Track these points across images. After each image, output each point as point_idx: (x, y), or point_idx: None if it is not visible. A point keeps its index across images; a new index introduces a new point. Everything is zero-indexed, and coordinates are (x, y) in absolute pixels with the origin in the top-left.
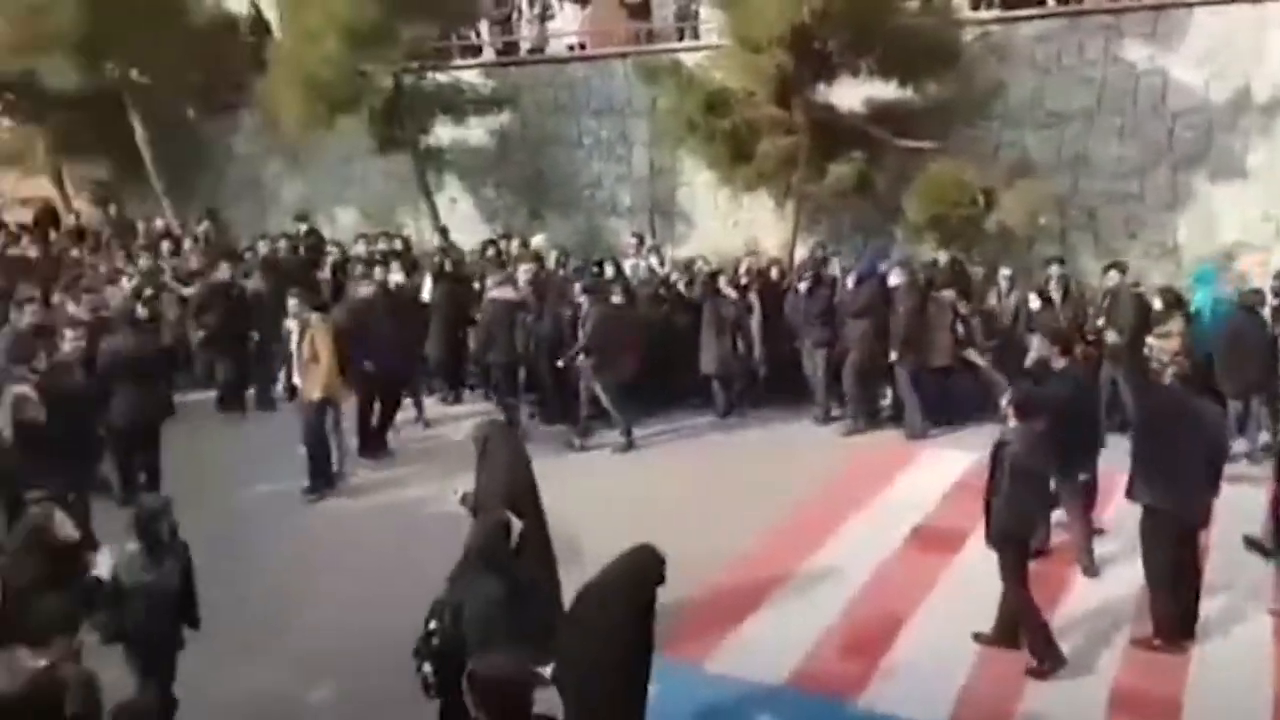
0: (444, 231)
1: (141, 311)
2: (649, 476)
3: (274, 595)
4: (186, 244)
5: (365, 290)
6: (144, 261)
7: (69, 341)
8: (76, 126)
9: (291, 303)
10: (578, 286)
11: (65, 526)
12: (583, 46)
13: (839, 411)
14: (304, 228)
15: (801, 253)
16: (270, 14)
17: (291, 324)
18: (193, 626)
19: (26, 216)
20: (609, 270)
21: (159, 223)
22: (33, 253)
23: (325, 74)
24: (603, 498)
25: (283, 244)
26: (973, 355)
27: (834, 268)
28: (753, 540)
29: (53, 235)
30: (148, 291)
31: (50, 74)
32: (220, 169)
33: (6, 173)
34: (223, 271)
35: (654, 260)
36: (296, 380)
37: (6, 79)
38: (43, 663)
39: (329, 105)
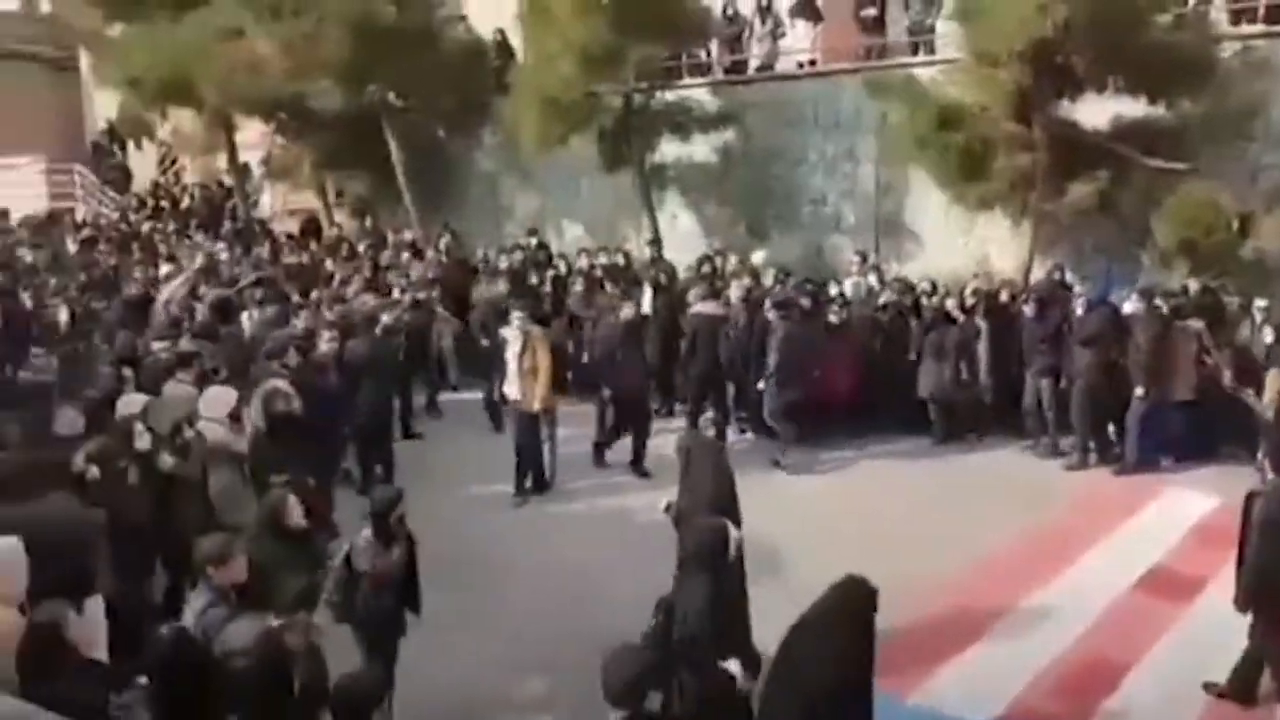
0: (657, 244)
1: (387, 318)
2: (858, 500)
3: (484, 590)
4: (429, 254)
5: (626, 312)
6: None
7: (325, 343)
8: (339, 144)
9: (515, 314)
10: (768, 302)
11: (295, 513)
12: (813, 63)
13: (1068, 445)
14: (534, 241)
15: (1038, 275)
16: (515, 40)
17: (511, 334)
18: (415, 612)
19: (293, 226)
20: (800, 290)
21: (406, 234)
22: (302, 259)
23: (561, 95)
24: (809, 519)
25: (516, 255)
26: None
27: (1073, 291)
28: (968, 572)
29: (312, 245)
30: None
31: (318, 96)
32: (463, 185)
33: (278, 186)
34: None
35: (873, 279)
36: (509, 389)
37: (281, 101)
38: (274, 621)
39: (563, 124)
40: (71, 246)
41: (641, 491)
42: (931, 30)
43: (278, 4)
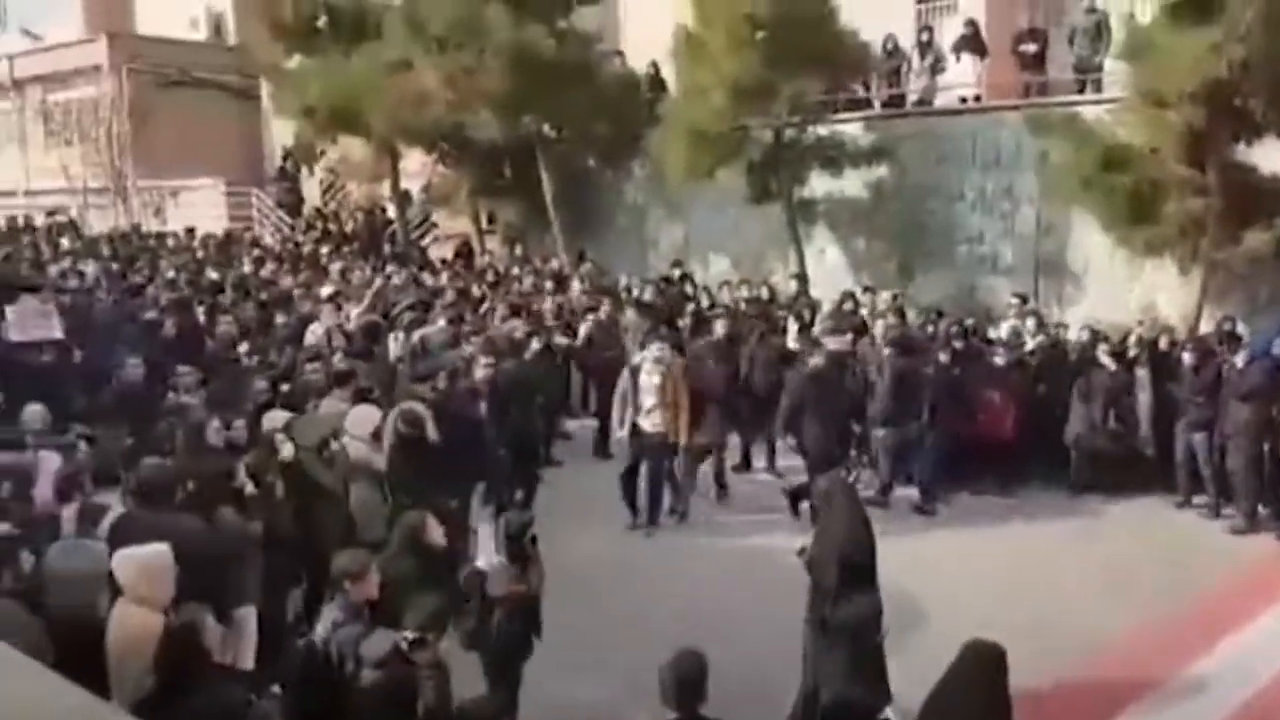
0: (802, 279)
1: (535, 344)
2: (1003, 551)
3: (605, 619)
4: (575, 284)
5: (815, 360)
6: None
7: (481, 368)
8: (494, 173)
9: (656, 345)
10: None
11: (435, 533)
12: (977, 99)
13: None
14: (678, 272)
15: (1207, 326)
16: (668, 73)
17: (647, 363)
18: (537, 636)
19: (447, 251)
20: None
21: (554, 263)
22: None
23: (710, 127)
24: (951, 570)
25: (649, 288)
26: None
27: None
28: (1117, 636)
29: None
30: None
31: (477, 127)
32: (610, 215)
33: (436, 212)
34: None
35: (1032, 323)
36: (642, 420)
37: (443, 130)
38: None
39: (711, 156)
40: (247, 266)
41: (773, 530)
42: (1098, 68)
43: (444, 38)
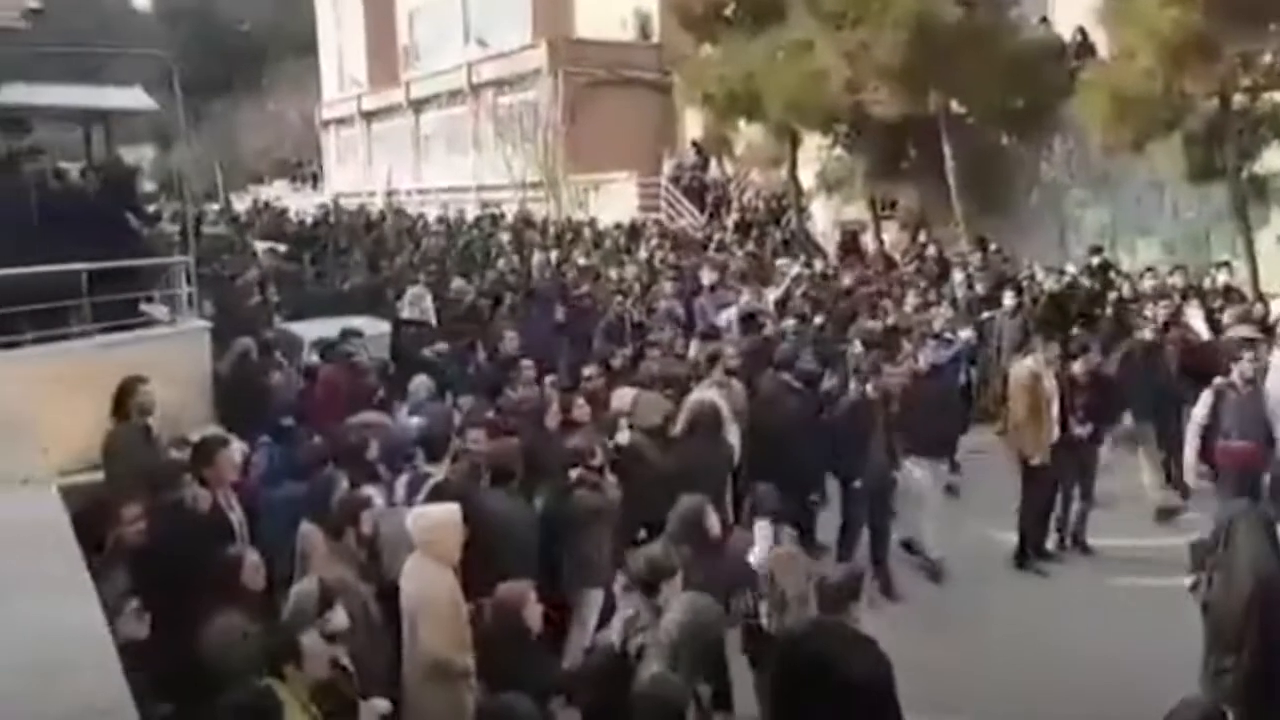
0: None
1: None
2: None
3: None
4: (957, 275)
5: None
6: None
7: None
8: (893, 154)
9: (1045, 346)
10: None
11: (713, 522)
12: None
13: None
14: (1096, 260)
15: None
16: (1097, 36)
17: (1025, 370)
18: None
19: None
20: None
21: (932, 249)
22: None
23: (1138, 91)
24: None
25: (1049, 280)
26: None
27: None
28: None
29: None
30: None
31: (876, 105)
32: (1023, 196)
33: (832, 198)
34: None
35: None
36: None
37: (840, 111)
38: None
39: (1138, 126)
40: (643, 253)
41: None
42: None
43: (842, 13)
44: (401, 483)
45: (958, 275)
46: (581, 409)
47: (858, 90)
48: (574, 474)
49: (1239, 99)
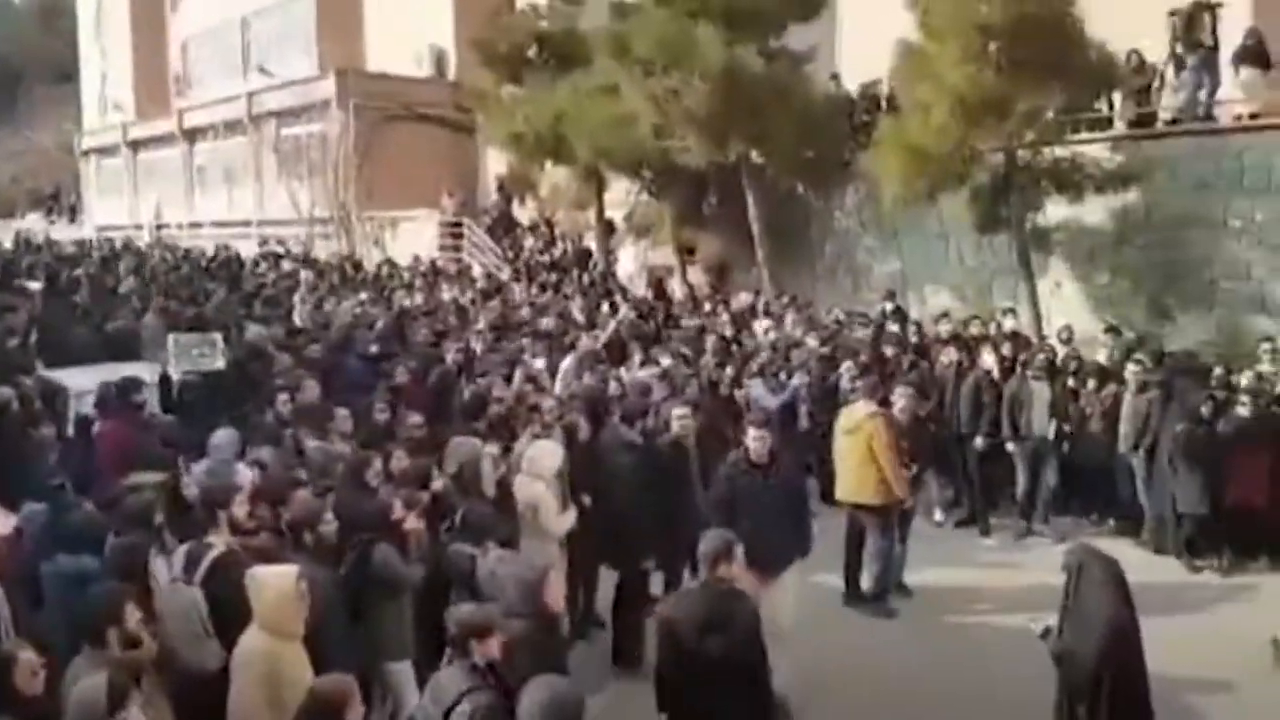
0: (1035, 316)
1: None
2: None
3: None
4: (789, 318)
5: None
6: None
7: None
8: (698, 201)
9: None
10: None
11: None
12: (1254, 116)
13: None
14: (890, 306)
15: None
16: (882, 89)
17: (860, 416)
18: None
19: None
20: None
21: (744, 296)
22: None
23: (931, 146)
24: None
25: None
26: None
27: None
28: None
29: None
30: None
31: (682, 153)
32: (819, 245)
33: (639, 243)
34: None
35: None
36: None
37: (647, 156)
38: None
39: (931, 178)
40: (446, 294)
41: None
42: None
43: (650, 60)
44: (180, 554)
45: (763, 323)
46: (400, 461)
47: (665, 136)
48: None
49: (1023, 154)
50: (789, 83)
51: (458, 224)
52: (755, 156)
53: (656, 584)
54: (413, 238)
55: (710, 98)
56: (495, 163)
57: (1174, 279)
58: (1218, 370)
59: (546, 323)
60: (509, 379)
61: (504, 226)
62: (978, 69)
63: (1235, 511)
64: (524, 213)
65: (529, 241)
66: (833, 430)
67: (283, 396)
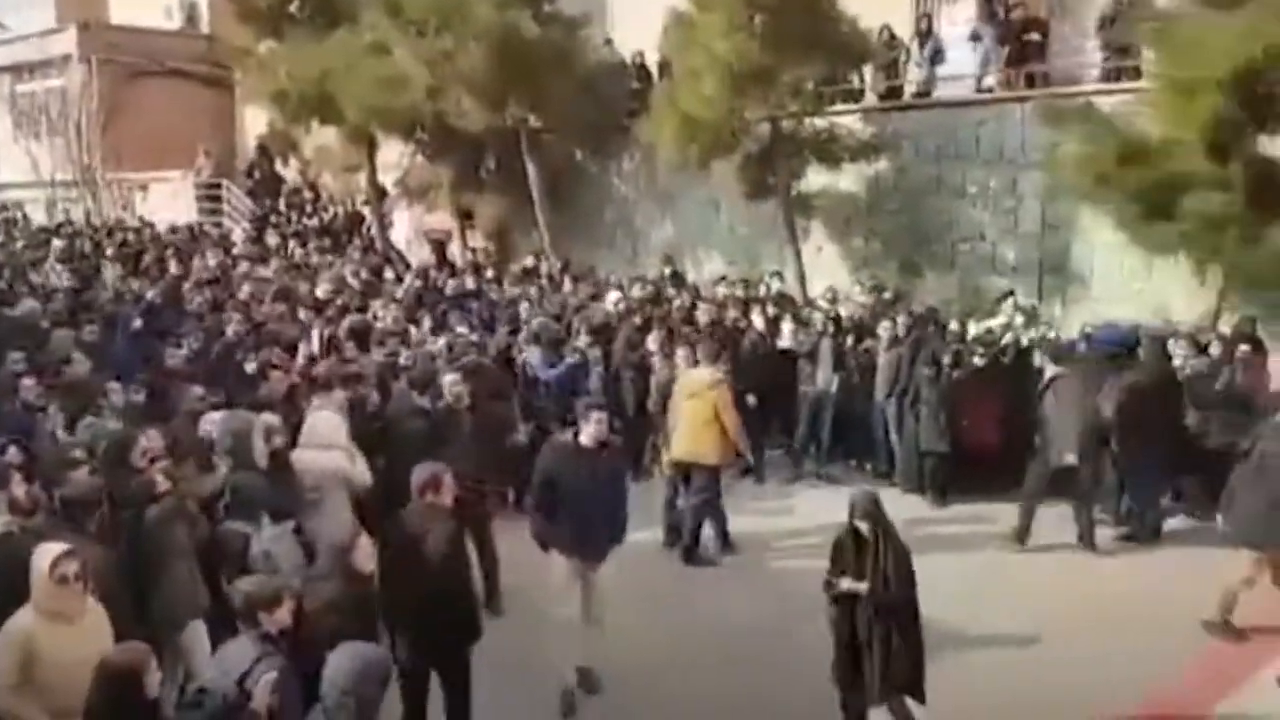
0: (800, 278)
1: None
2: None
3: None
4: (567, 283)
5: None
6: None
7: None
8: (477, 165)
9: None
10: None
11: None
12: (990, 90)
13: None
14: (668, 270)
15: (1226, 328)
16: (652, 58)
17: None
18: None
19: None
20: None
21: (530, 260)
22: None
23: (703, 115)
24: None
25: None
26: None
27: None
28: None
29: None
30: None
31: (459, 116)
32: (599, 210)
33: (414, 207)
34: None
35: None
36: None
37: (422, 119)
38: None
39: (704, 146)
40: (211, 260)
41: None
42: (1127, 54)
43: (423, 20)
44: None
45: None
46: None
47: (440, 99)
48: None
49: (787, 124)
50: (566, 47)
51: (216, 185)
52: (533, 121)
53: None
54: (167, 200)
55: (486, 61)
56: (255, 122)
57: (921, 242)
58: (953, 325)
59: (324, 290)
60: (291, 350)
61: (267, 189)
62: (744, 39)
63: (972, 450)
64: (287, 174)
65: (296, 205)
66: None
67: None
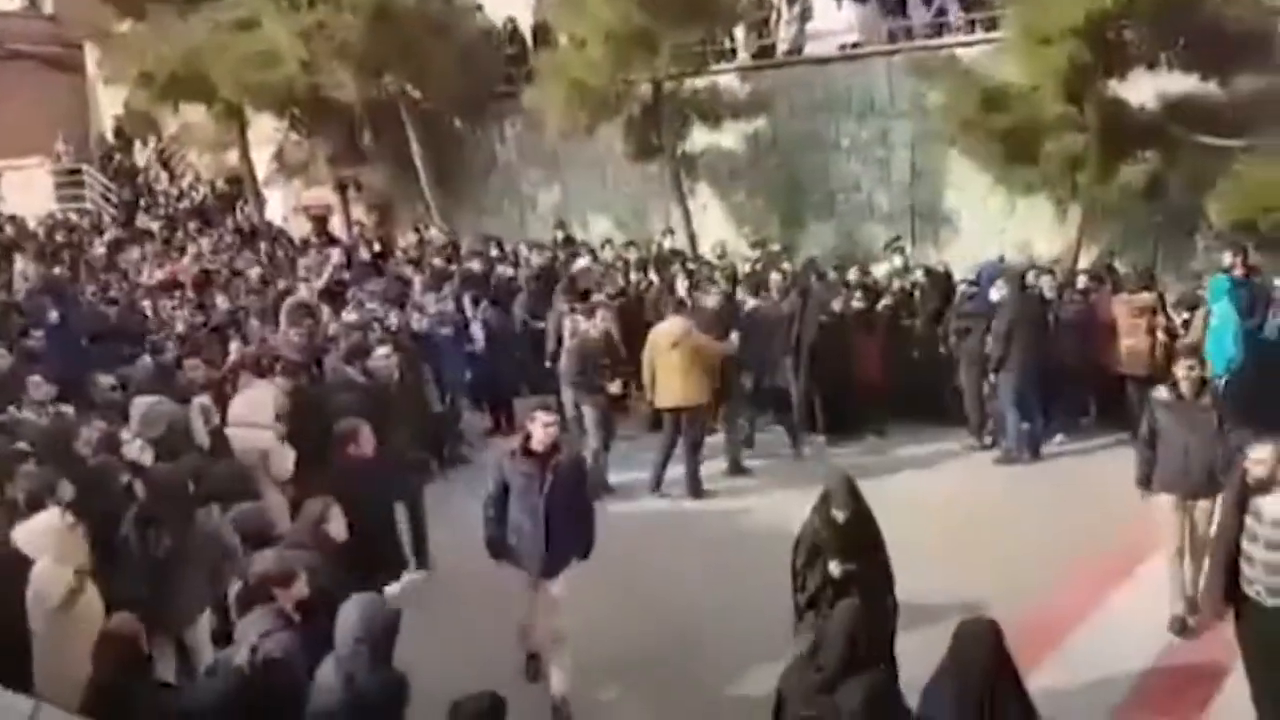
0: (689, 236)
1: None
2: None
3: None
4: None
5: None
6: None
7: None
8: (355, 138)
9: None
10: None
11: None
12: (855, 46)
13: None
14: (561, 235)
15: (1085, 262)
16: (526, 27)
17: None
18: None
19: (306, 225)
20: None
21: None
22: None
23: (590, 80)
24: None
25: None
26: None
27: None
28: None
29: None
30: None
31: (335, 89)
32: (484, 178)
33: (291, 183)
34: None
35: (898, 262)
36: None
37: (296, 94)
38: None
39: (591, 111)
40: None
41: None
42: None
43: None
44: None
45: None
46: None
47: (314, 72)
48: None
49: (669, 85)
50: (443, 16)
51: (75, 171)
52: (411, 91)
53: None
54: (22, 190)
55: (361, 31)
56: (110, 104)
57: (801, 194)
58: (832, 274)
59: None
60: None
61: (128, 173)
62: (627, 5)
63: (861, 387)
64: (142, 156)
65: (163, 186)
66: None
67: None
